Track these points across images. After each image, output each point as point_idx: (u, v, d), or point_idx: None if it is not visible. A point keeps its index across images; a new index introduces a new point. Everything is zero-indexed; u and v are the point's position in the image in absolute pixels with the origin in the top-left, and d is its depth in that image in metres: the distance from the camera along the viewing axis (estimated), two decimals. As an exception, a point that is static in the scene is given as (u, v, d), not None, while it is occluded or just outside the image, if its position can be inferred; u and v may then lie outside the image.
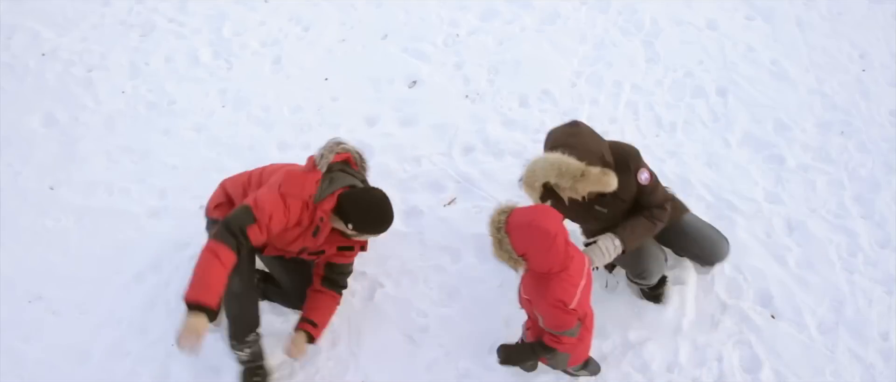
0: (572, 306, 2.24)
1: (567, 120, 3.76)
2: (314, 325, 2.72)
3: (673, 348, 2.81)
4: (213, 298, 2.32)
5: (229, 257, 2.35)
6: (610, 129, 3.73)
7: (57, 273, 2.86)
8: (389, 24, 4.35)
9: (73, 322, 2.85)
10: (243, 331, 2.61)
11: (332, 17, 4.42)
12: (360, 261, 3.10)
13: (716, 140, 3.70)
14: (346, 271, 2.83)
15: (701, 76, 4.06)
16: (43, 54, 4.08)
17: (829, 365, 2.79)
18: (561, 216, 2.22)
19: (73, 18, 4.32)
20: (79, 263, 3.02)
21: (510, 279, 3.02)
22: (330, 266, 2.78)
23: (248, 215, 2.41)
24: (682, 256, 2.99)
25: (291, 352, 2.68)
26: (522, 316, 2.91)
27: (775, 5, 4.52)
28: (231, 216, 2.43)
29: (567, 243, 2.21)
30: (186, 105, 3.81)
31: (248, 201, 2.47)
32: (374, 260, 3.10)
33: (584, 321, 2.37)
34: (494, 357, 2.78)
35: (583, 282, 2.29)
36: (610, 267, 3.03)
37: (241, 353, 2.63)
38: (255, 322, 2.64)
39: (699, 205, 3.35)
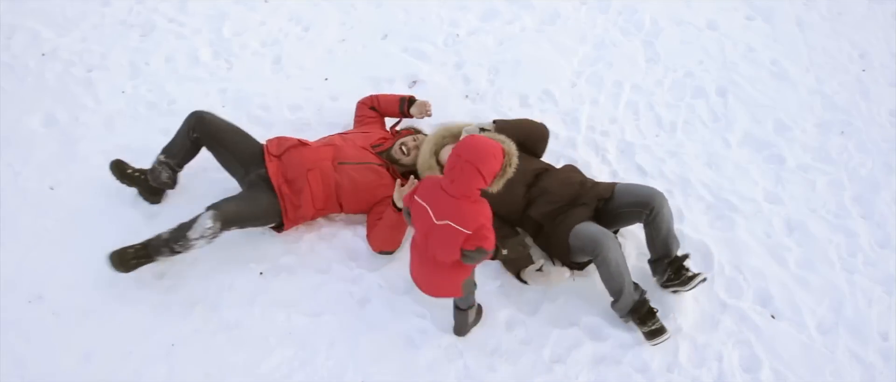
0: (416, 197, 2.48)
1: (567, 120, 3.81)
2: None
3: (673, 348, 2.81)
4: None
5: None
6: (610, 129, 3.74)
7: (57, 273, 2.86)
8: (389, 24, 4.36)
9: (74, 322, 2.85)
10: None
11: (332, 17, 4.42)
12: (358, 263, 3.11)
13: (716, 140, 3.70)
14: None
15: (701, 76, 4.06)
16: (43, 54, 4.07)
17: (828, 365, 2.79)
18: (487, 160, 2.32)
19: (73, 18, 4.31)
20: (79, 263, 3.01)
21: (510, 280, 3.03)
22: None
23: None
24: (628, 220, 3.02)
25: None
26: (522, 318, 2.92)
27: (775, 5, 4.52)
28: None
29: (454, 176, 2.33)
30: (186, 105, 3.80)
31: None
32: (374, 261, 3.10)
33: (414, 230, 2.57)
34: (496, 358, 2.79)
35: (429, 211, 2.43)
36: (580, 266, 3.04)
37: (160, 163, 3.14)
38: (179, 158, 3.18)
39: (699, 205, 3.36)
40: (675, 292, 2.95)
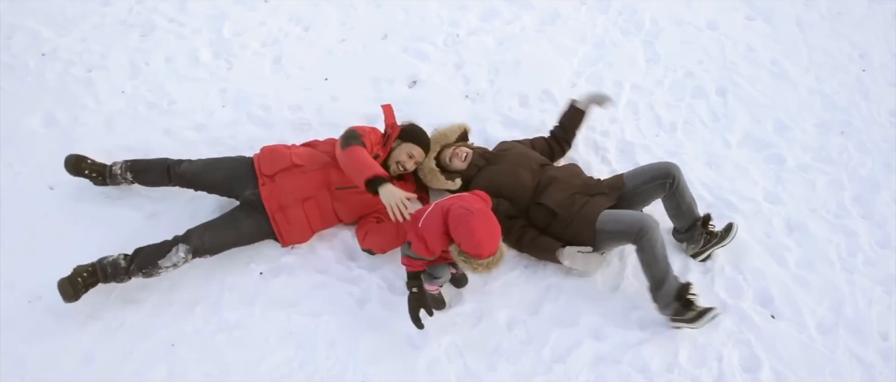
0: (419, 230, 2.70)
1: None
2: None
3: (673, 348, 2.81)
4: (379, 170, 2.85)
5: (363, 150, 2.95)
6: (610, 129, 3.74)
7: (57, 273, 2.85)
8: (389, 24, 4.36)
9: (74, 323, 2.85)
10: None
11: (332, 17, 4.42)
12: (358, 263, 3.11)
13: (716, 140, 3.70)
14: None
15: (701, 76, 4.06)
16: (43, 54, 4.07)
17: (828, 365, 2.79)
18: (465, 233, 2.55)
19: (73, 18, 4.32)
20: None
21: (511, 281, 3.03)
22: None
23: (356, 134, 3.01)
24: (647, 199, 3.08)
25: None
26: (522, 318, 2.92)
27: (775, 5, 4.52)
28: (346, 135, 3.01)
29: (459, 205, 2.63)
30: (186, 105, 3.81)
31: (353, 127, 3.10)
32: (374, 261, 3.10)
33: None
34: (496, 358, 2.79)
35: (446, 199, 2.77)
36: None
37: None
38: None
39: (699, 205, 3.35)
40: (706, 259, 3.08)
